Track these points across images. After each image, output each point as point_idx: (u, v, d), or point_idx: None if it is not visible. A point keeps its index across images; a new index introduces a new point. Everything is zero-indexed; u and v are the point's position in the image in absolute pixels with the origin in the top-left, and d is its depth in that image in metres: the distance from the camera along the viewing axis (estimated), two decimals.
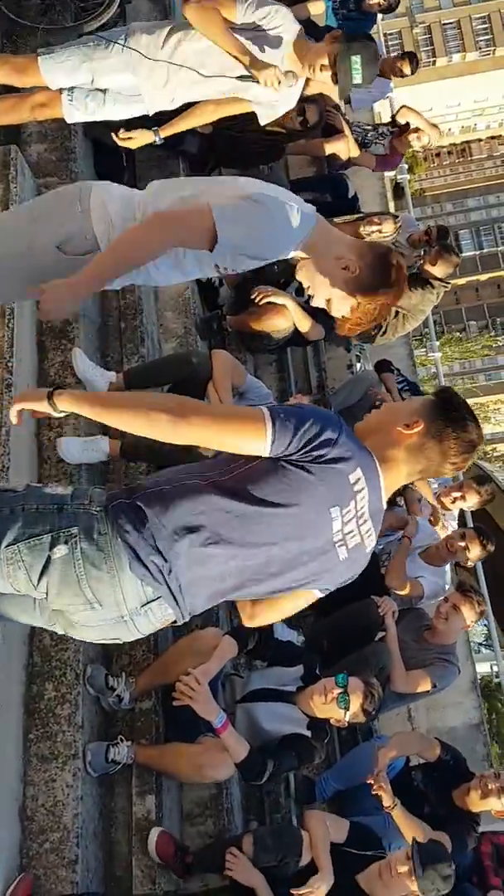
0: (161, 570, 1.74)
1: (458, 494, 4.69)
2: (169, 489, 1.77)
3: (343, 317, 2.34)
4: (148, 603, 1.77)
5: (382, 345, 6.35)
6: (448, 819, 3.52)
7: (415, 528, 4.30)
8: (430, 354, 10.27)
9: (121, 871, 2.97)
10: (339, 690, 3.17)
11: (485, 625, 8.30)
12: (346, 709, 3.16)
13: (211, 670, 2.98)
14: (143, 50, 2.96)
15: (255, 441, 1.70)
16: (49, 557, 1.73)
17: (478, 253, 56.88)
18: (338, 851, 3.10)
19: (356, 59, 2.84)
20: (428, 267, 5.55)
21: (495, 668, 7.67)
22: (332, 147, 5.68)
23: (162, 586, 1.76)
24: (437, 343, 11.56)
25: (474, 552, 4.11)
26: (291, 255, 2.37)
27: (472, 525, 5.07)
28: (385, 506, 1.85)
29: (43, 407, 1.78)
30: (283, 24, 2.94)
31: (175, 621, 1.85)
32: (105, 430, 3.65)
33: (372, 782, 3.30)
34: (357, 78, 2.87)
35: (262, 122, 3.21)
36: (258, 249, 2.29)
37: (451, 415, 1.81)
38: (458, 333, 41.37)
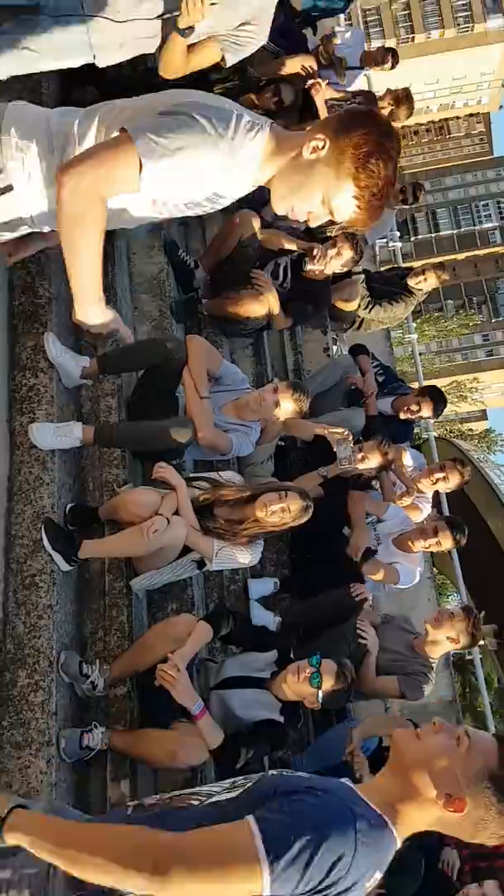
0: None
1: (440, 475, 4.78)
2: None
3: (355, 210, 1.83)
4: None
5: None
6: None
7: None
8: (407, 336, 10.30)
9: None
10: (312, 670, 3.22)
11: (458, 594, 8.46)
12: (319, 688, 3.20)
13: (186, 654, 2.99)
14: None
15: (247, 883, 1.41)
16: None
17: (455, 232, 56.92)
18: None
19: None
20: (413, 282, 5.89)
21: None
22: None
23: None
24: (414, 325, 11.57)
25: (445, 544, 4.24)
26: (251, 183, 1.94)
27: (446, 515, 5.18)
28: None
29: None
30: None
31: None
32: (79, 414, 3.62)
33: (348, 759, 3.36)
34: None
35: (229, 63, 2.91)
36: (194, 173, 1.83)
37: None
38: (435, 313, 41.42)
